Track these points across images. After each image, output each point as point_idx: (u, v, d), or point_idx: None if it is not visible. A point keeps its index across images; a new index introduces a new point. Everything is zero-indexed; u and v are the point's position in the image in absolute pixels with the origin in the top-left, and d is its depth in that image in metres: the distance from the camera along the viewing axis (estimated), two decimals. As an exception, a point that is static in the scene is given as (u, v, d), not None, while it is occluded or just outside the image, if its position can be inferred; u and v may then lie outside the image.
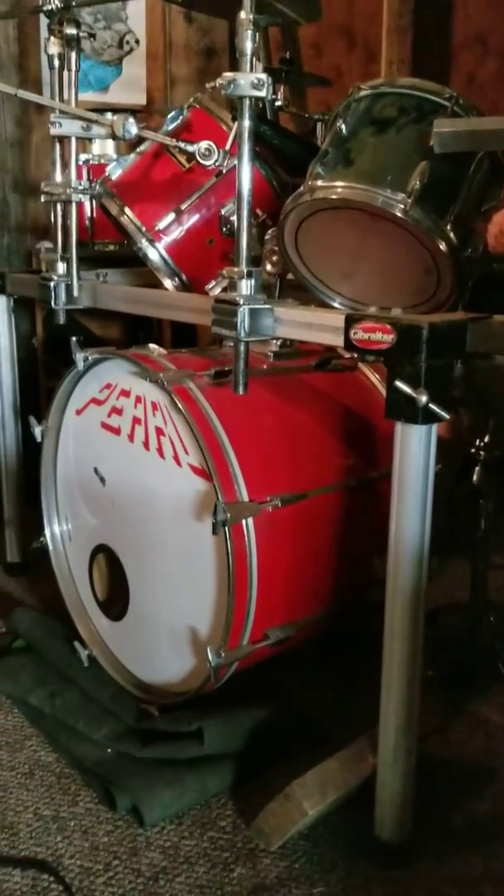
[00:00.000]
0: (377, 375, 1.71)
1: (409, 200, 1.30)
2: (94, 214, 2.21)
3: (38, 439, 1.78)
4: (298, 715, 1.56)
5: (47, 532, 1.85)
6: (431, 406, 1.11)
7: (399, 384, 1.13)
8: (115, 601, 1.69)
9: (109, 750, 1.49)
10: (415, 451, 1.15)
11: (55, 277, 1.78)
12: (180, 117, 1.78)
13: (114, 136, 1.57)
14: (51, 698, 1.62)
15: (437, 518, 1.21)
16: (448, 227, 1.34)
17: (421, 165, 1.32)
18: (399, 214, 1.31)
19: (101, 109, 2.52)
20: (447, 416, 1.13)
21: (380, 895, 1.22)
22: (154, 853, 1.29)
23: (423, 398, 1.11)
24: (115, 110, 2.68)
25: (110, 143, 2.28)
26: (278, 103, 2.20)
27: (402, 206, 1.31)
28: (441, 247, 1.33)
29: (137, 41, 3.13)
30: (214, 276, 1.68)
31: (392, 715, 1.23)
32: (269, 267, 1.61)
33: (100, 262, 2.11)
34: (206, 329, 1.41)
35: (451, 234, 1.34)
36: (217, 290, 1.66)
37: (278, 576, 1.48)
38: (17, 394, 2.21)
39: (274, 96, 2.12)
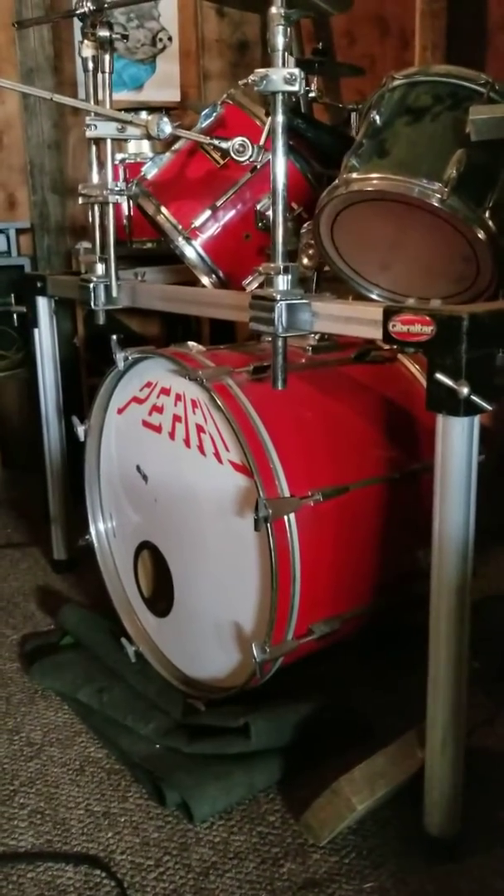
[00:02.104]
0: (417, 366, 1.69)
1: (446, 189, 1.29)
2: (132, 213, 2.22)
3: (82, 438, 1.80)
4: (345, 710, 1.56)
5: (92, 530, 1.87)
6: (473, 397, 1.10)
7: (440, 376, 1.11)
8: (160, 597, 1.71)
9: (157, 745, 1.51)
10: (457, 443, 1.14)
11: (94, 278, 1.79)
12: (214, 114, 1.78)
13: (148, 137, 1.57)
14: (99, 694, 1.64)
15: (480, 508, 1.20)
16: (486, 215, 1.32)
17: (457, 153, 1.30)
18: (436, 204, 1.30)
19: (135, 108, 2.54)
20: (490, 408, 1.11)
21: (430, 890, 1.21)
22: (204, 849, 1.30)
23: (465, 390, 1.09)
24: (150, 108, 2.70)
25: (146, 141, 2.29)
26: (312, 94, 2.18)
27: (439, 196, 1.29)
28: (479, 235, 1.31)
29: (170, 38, 3.14)
30: (251, 272, 1.68)
31: (439, 708, 1.22)
32: (305, 260, 1.60)
33: (138, 260, 2.13)
34: (244, 323, 1.41)
35: (490, 222, 1.32)
36: (254, 286, 1.65)
37: (322, 570, 1.47)
38: (60, 393, 2.23)
39: (308, 88, 2.10)
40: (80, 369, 2.72)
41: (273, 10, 1.22)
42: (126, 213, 2.23)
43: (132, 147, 2.29)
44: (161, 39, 3.13)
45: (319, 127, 1.89)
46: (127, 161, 1.83)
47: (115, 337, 1.65)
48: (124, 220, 2.23)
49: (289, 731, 1.46)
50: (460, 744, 1.24)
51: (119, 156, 1.74)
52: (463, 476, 1.15)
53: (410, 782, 1.30)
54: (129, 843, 1.32)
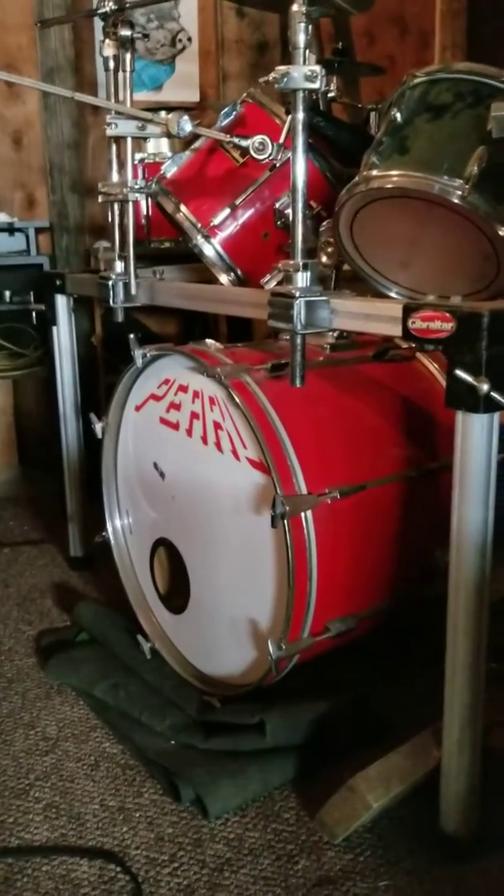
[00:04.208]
0: (435, 365, 1.69)
1: (467, 186, 1.28)
2: (150, 212, 2.23)
3: (99, 436, 1.81)
4: (361, 707, 1.55)
5: (109, 526, 1.87)
6: (493, 394, 1.09)
7: (459, 373, 1.11)
8: (176, 594, 1.71)
9: (173, 741, 1.51)
10: (476, 440, 1.13)
11: (113, 276, 1.80)
12: (234, 113, 1.78)
13: (169, 135, 1.58)
14: (114, 690, 1.65)
15: (499, 507, 1.20)
16: (507, 213, 1.31)
17: (478, 151, 1.29)
18: (456, 201, 1.29)
19: (155, 108, 2.54)
20: (510, 405, 1.11)
21: (445, 889, 1.21)
22: (218, 845, 1.30)
23: (485, 386, 1.09)
24: (169, 109, 2.70)
25: (165, 142, 2.30)
26: (331, 94, 2.18)
27: (460, 193, 1.29)
28: (500, 232, 1.31)
29: (190, 39, 3.15)
30: (269, 270, 1.68)
31: (456, 707, 1.22)
32: (324, 259, 1.60)
33: (156, 259, 2.13)
34: (261, 323, 1.41)
35: (511, 220, 1.32)
36: (272, 284, 1.65)
37: (338, 568, 1.47)
38: (78, 391, 2.24)
39: (327, 87, 2.10)
40: (98, 368, 2.73)
41: (295, 7, 1.22)
42: (145, 212, 2.24)
43: (151, 147, 2.29)
44: (181, 40, 3.14)
45: (339, 125, 1.89)
46: (146, 161, 1.84)
47: (132, 335, 1.66)
48: (143, 220, 2.24)
49: (304, 728, 1.46)
50: (477, 743, 1.23)
51: (138, 156, 1.75)
52: (482, 473, 1.15)
53: (426, 780, 1.30)
54: (143, 838, 1.32)
